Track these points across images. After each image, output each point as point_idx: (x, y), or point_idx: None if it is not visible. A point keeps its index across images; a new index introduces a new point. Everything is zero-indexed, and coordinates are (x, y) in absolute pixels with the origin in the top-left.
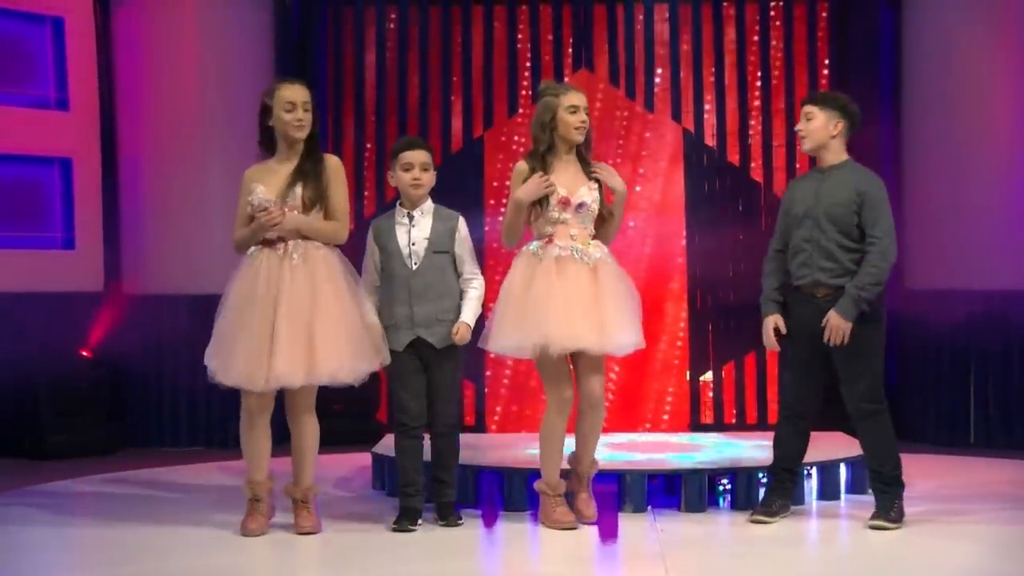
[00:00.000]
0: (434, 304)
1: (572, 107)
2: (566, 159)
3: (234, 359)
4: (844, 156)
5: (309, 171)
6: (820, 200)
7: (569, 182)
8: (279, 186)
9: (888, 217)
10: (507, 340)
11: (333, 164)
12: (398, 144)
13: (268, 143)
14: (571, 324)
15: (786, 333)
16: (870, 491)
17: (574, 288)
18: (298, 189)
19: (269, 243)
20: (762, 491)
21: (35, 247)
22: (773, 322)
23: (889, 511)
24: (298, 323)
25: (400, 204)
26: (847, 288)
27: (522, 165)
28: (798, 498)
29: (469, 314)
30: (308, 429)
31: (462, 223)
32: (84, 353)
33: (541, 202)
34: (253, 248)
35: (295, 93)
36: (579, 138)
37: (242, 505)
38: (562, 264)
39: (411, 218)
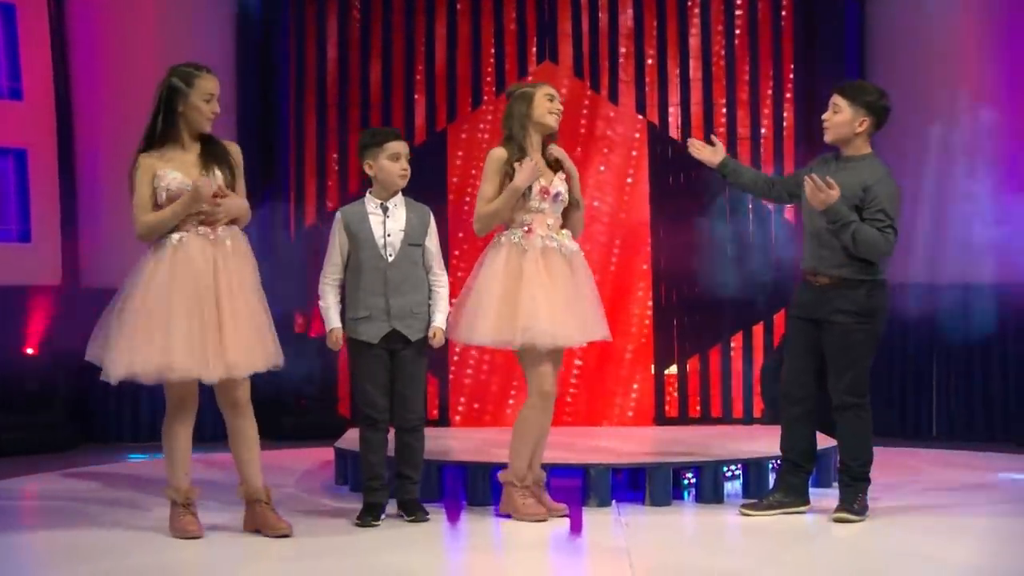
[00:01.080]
0: (408, 297)
1: (549, 95)
2: (538, 149)
3: (183, 351)
4: (867, 150)
5: (219, 156)
6: None
7: (544, 172)
8: (192, 173)
9: (894, 211)
10: (493, 333)
11: (237, 150)
12: (380, 134)
13: (164, 128)
14: (559, 320)
15: (787, 318)
16: (835, 483)
17: (560, 282)
18: (217, 173)
19: (196, 228)
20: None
21: None
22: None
23: (852, 503)
24: (243, 310)
25: (371, 194)
26: (852, 217)
27: (500, 151)
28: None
29: (442, 317)
30: (252, 421)
31: (432, 217)
32: (38, 348)
33: (524, 191)
34: (179, 235)
35: (215, 85)
36: (554, 124)
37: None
38: (547, 256)
39: (385, 209)
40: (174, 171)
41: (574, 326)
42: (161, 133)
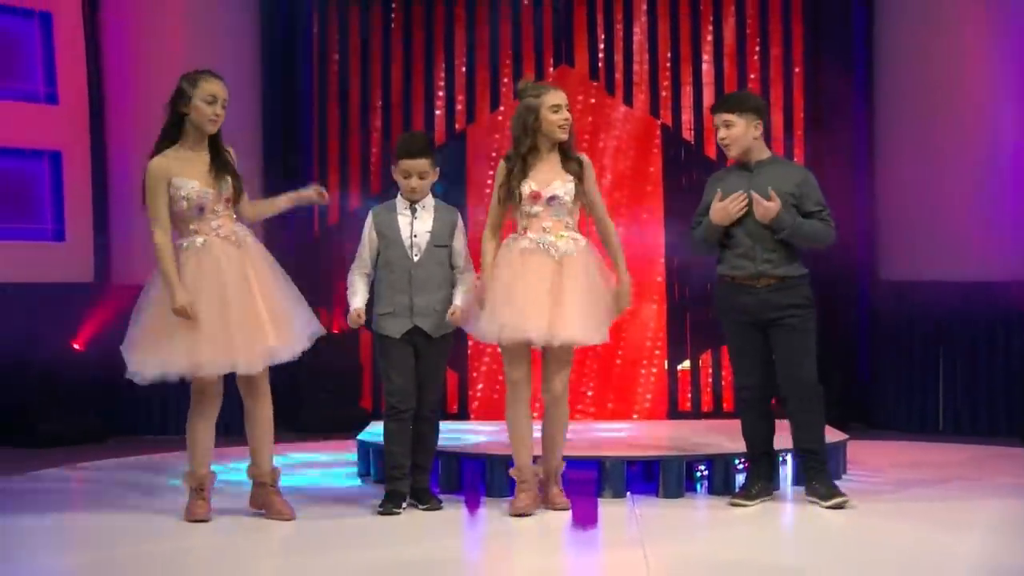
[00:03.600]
0: (432, 295)
1: (554, 106)
2: (548, 156)
3: (210, 348)
4: (767, 152)
5: (228, 163)
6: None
7: (544, 176)
8: (206, 178)
9: (824, 200)
10: (478, 327)
11: (234, 155)
12: (400, 147)
13: (171, 130)
14: (521, 314)
15: (727, 324)
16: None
17: (534, 280)
18: (229, 180)
19: (217, 233)
20: (740, 477)
21: (25, 239)
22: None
23: (832, 487)
24: (277, 300)
25: (401, 195)
26: (796, 219)
27: (503, 165)
28: (775, 483)
29: (462, 298)
30: (265, 405)
31: (460, 219)
32: (74, 344)
33: (514, 196)
34: (202, 239)
35: (218, 88)
36: (563, 136)
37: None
38: (526, 256)
39: (413, 210)
40: (191, 180)
41: (538, 325)
42: (169, 135)
